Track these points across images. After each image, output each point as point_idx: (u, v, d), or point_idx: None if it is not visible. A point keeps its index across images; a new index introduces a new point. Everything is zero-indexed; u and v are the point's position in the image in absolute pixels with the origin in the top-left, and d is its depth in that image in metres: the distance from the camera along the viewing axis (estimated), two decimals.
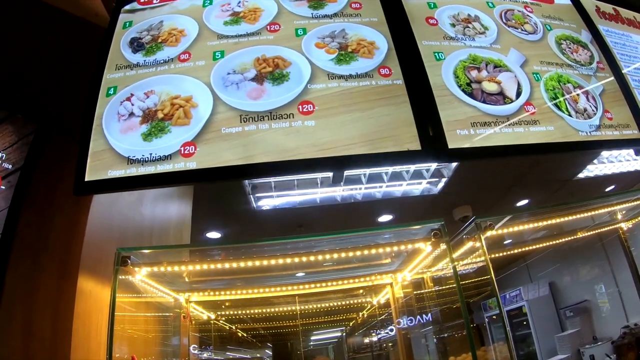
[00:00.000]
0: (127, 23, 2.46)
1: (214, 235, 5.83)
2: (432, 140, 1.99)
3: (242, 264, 2.35)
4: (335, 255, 2.36)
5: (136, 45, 2.33)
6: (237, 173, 1.89)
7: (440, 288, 3.13)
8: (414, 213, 5.68)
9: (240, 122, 1.94)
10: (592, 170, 5.56)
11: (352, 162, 1.94)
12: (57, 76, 2.62)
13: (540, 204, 6.14)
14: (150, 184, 1.94)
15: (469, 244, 2.48)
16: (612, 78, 2.67)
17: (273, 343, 5.35)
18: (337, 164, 1.90)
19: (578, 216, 3.03)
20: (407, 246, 2.46)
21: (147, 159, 1.87)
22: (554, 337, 6.78)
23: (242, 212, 5.05)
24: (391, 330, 4.08)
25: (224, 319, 4.06)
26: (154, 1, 2.57)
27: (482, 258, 2.45)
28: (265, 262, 2.33)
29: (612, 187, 5.92)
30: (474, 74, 2.30)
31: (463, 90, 2.20)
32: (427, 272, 3.13)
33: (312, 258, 2.33)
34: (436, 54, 2.33)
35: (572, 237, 3.83)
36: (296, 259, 2.34)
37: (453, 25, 2.54)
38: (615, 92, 2.60)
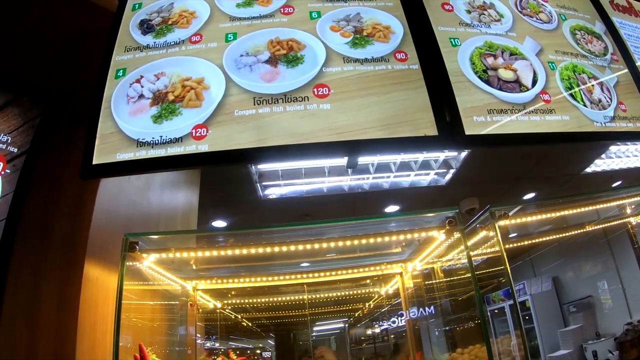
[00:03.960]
0: (137, 5, 2.42)
1: (220, 224, 5.82)
2: (449, 126, 1.96)
3: (252, 251, 2.31)
4: (348, 243, 2.32)
5: (146, 27, 2.29)
6: (250, 156, 1.86)
7: (451, 278, 3.10)
8: (421, 204, 5.64)
9: (254, 104, 1.90)
10: (600, 165, 5.52)
11: (369, 147, 1.90)
12: (64, 59, 2.57)
13: (547, 197, 6.11)
14: (160, 167, 1.90)
15: (481, 234, 2.45)
16: (626, 70, 2.65)
17: (276, 334, 5.33)
18: (353, 149, 1.87)
19: (589, 208, 3.00)
20: (420, 234, 2.43)
21: (157, 142, 1.84)
22: (557, 332, 6.76)
23: (248, 201, 5.02)
24: (393, 322, 4.05)
25: (230, 307, 4.03)
26: None
27: (494, 248, 2.42)
28: (276, 249, 2.30)
29: (619, 182, 5.88)
30: (490, 60, 2.27)
31: (479, 77, 2.17)
32: (438, 262, 3.10)
33: (324, 245, 2.30)
34: (452, 39, 2.29)
35: (579, 231, 3.79)
36: (308, 246, 2.30)
37: (469, 11, 2.51)
38: (629, 84, 2.57)
